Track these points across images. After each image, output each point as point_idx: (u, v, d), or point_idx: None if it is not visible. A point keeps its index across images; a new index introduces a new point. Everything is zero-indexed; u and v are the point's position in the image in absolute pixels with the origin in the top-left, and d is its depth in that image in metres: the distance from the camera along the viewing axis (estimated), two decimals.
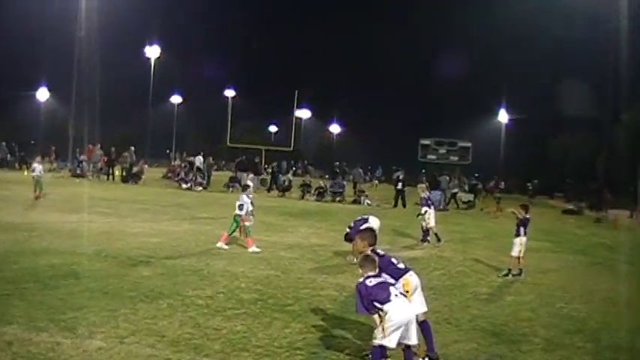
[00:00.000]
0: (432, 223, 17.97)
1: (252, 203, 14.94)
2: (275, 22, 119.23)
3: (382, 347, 6.39)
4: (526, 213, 13.76)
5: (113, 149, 38.97)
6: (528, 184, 56.47)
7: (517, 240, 13.39)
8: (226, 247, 14.32)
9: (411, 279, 7.12)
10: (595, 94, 48.39)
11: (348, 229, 13.89)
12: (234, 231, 14.63)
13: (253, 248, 14.24)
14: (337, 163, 47.93)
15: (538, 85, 75.23)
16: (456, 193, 37.05)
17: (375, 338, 6.42)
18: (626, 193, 39.42)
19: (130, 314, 8.25)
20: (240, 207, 14.49)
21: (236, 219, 14.52)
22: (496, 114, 75.24)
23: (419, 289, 7.22)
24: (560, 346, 8.39)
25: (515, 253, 13.38)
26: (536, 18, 67.93)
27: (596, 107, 48.22)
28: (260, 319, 8.52)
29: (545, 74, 74.74)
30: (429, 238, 17.95)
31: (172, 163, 47.59)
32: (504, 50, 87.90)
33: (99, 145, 40.64)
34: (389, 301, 6.36)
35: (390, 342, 6.28)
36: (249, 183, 16.72)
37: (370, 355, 6.72)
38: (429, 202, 18.42)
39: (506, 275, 13.32)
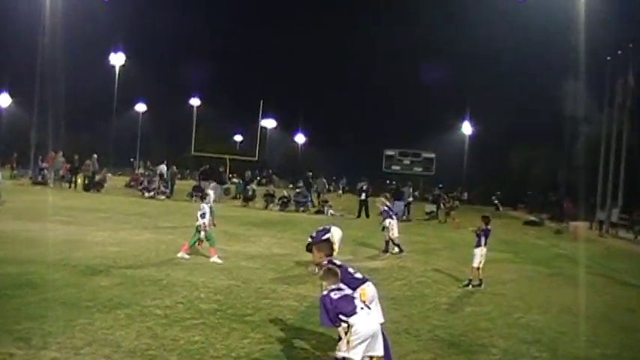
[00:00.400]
0: (395, 234, 18.09)
1: (211, 212, 14.88)
2: (241, 32, 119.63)
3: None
4: (487, 225, 13.91)
5: (76, 157, 38.52)
6: (493, 197, 57.08)
7: (477, 250, 13.52)
8: (188, 256, 14.23)
9: (368, 289, 7.14)
10: (556, 107, 49.09)
11: (310, 239, 13.87)
12: (196, 241, 14.54)
13: (215, 259, 14.15)
14: (310, 173, 47.99)
15: (501, 99, 76.18)
16: (410, 203, 37.11)
17: (339, 350, 6.39)
18: (587, 205, 39.99)
19: (87, 324, 8.14)
20: (202, 216, 14.43)
21: (198, 229, 14.45)
22: (460, 126, 76.17)
23: (376, 299, 7.24)
24: (517, 355, 8.50)
25: (475, 263, 13.49)
26: (500, 32, 68.86)
27: (558, 120, 48.92)
28: (218, 329, 8.48)
29: (507, 88, 75.71)
30: (395, 249, 18.05)
31: (136, 172, 47.22)
32: (468, 63, 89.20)
33: (61, 153, 40.02)
34: (355, 313, 6.34)
35: (356, 355, 6.26)
36: (209, 192, 16.66)
37: None
38: (391, 212, 18.54)
39: (467, 286, 13.43)
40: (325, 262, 7.23)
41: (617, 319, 11.67)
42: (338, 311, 6.38)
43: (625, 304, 13.26)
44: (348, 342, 6.28)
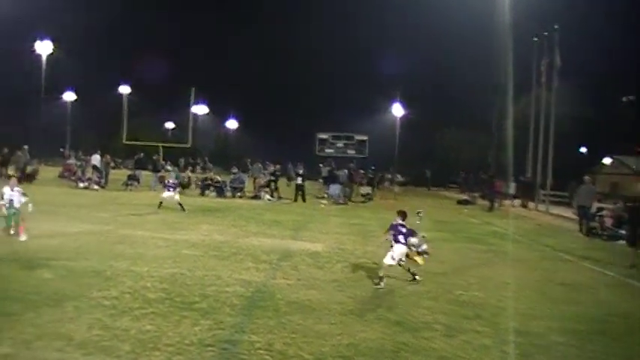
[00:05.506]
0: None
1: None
2: (169, 17, 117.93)
3: None
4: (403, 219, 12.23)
5: (6, 150, 37.51)
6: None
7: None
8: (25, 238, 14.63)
9: None
10: (485, 90, 50.18)
11: None
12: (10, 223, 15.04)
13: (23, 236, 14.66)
14: (249, 159, 47.86)
15: (431, 82, 77.63)
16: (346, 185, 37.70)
17: None
18: (517, 184, 41.16)
19: (35, 318, 8.08)
20: (24, 194, 15.43)
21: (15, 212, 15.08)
22: (390, 109, 77.19)
23: None
24: (460, 331, 8.80)
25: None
26: (431, 17, 69.95)
27: (487, 102, 49.97)
28: (168, 317, 8.53)
29: (438, 70, 77.17)
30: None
31: (67, 162, 46.16)
32: (399, 46, 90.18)
33: None
34: None
35: None
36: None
37: None
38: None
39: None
40: None
41: (551, 292, 12.16)
42: None
43: (558, 278, 13.79)
44: None
